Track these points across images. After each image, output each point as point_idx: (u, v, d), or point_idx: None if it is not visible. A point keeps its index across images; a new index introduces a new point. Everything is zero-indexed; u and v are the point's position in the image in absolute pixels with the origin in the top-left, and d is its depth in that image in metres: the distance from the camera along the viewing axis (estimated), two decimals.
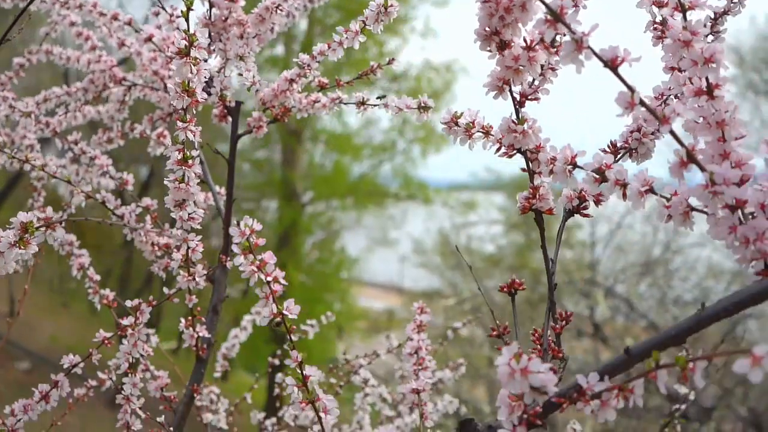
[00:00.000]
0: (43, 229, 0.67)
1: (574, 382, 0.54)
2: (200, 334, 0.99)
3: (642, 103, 0.51)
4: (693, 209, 0.56)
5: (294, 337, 0.66)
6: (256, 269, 0.63)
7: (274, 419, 1.41)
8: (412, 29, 11.20)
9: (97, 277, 1.11)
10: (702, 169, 0.52)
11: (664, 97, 0.70)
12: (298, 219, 11.33)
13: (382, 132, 12.52)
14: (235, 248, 0.62)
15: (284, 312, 0.64)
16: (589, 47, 0.51)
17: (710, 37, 0.73)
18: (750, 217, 0.53)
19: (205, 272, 0.92)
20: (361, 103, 0.99)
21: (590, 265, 6.21)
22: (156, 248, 1.04)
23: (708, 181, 0.52)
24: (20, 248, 0.68)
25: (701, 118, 0.55)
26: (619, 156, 0.70)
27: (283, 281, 0.64)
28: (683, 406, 1.18)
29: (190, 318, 0.98)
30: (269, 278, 0.63)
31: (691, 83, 0.56)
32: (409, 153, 12.20)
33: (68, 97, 1.23)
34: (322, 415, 0.66)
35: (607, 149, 0.70)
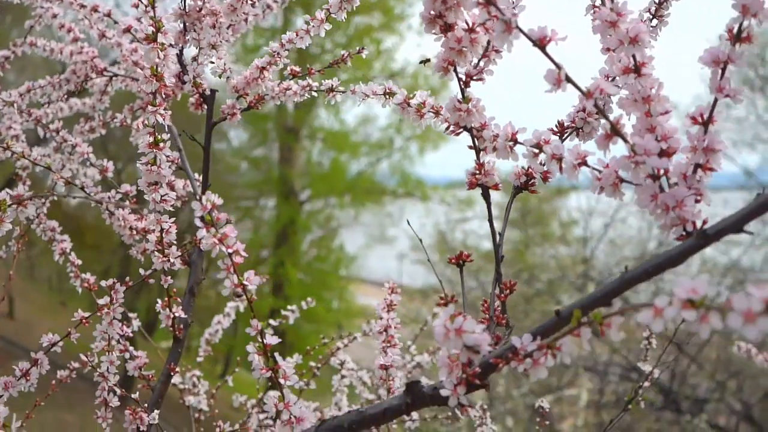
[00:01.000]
0: (14, 206, 0.71)
1: (509, 344, 0.57)
2: (176, 315, 1.02)
3: (568, 79, 0.55)
4: (622, 180, 0.59)
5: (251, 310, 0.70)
6: (217, 242, 0.66)
7: (254, 400, 1.45)
8: (409, 27, 11.23)
9: (79, 262, 1.15)
10: (625, 141, 0.56)
11: (609, 79, 0.73)
12: (296, 217, 11.37)
13: (379, 129, 12.56)
14: (197, 222, 0.66)
15: (245, 283, 0.68)
16: (518, 27, 0.54)
17: (654, 21, 0.77)
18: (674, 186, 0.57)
19: (180, 253, 0.96)
20: (330, 90, 1.02)
21: (584, 260, 6.25)
22: (134, 232, 1.07)
23: (630, 152, 0.55)
24: None
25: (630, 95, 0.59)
26: (566, 135, 0.74)
27: (243, 253, 0.67)
28: (646, 383, 1.22)
29: (166, 299, 1.01)
30: (230, 250, 0.66)
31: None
32: (406, 150, 12.24)
33: (51, 87, 1.26)
34: (281, 380, 0.69)
35: (554, 128, 0.74)
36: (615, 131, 0.56)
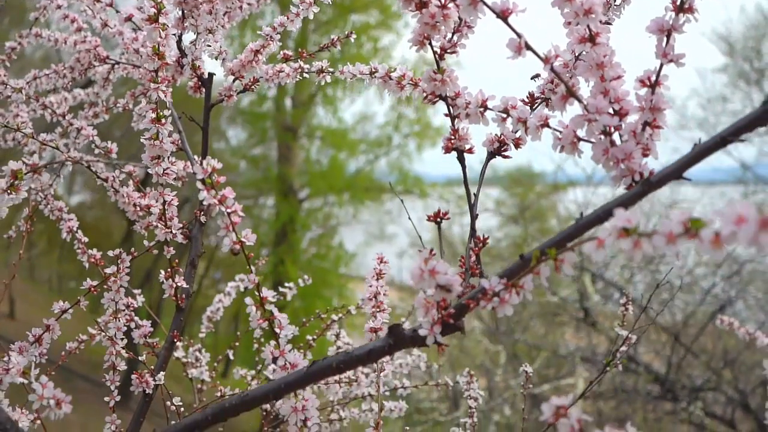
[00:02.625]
0: (30, 174, 0.77)
1: (480, 287, 0.64)
2: (179, 285, 1.09)
3: (527, 46, 0.61)
4: (580, 139, 0.65)
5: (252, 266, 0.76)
6: (217, 202, 0.73)
7: (253, 372, 1.51)
8: (406, 24, 11.29)
9: (86, 239, 1.21)
10: (580, 101, 0.62)
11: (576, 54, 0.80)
12: (296, 215, 11.43)
13: (377, 127, 12.62)
14: (199, 184, 0.72)
15: (243, 239, 0.74)
16: (482, 1, 0.61)
17: (618, 0, 0.83)
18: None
19: (181, 225, 1.02)
20: (321, 71, 1.09)
21: (579, 252, 6.31)
22: (138, 209, 1.14)
23: (584, 111, 0.62)
24: (11, 193, 0.78)
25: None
26: (536, 105, 0.80)
27: (241, 213, 0.74)
28: (624, 348, 1.28)
29: (169, 270, 1.08)
30: (229, 210, 0.73)
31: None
32: (404, 148, 12.31)
33: (56, 75, 1.32)
34: (277, 330, 0.76)
35: (526, 99, 0.80)
36: (570, 93, 0.62)
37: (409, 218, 1.11)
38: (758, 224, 0.39)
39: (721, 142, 0.56)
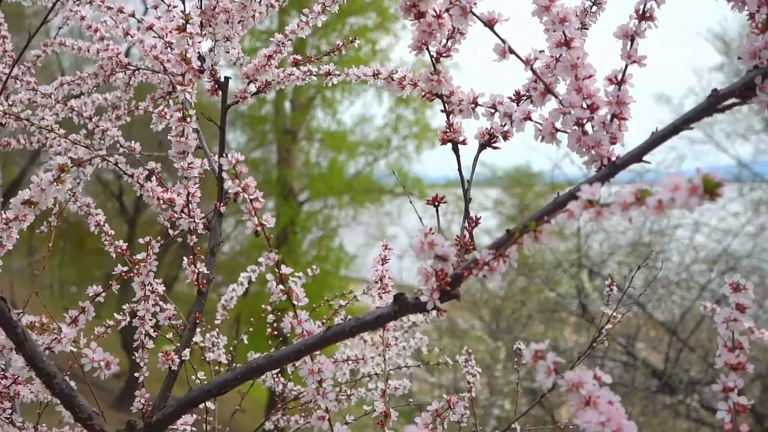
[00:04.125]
0: (76, 167, 0.87)
1: (473, 258, 0.74)
2: (200, 271, 1.19)
3: (511, 50, 0.72)
4: (557, 130, 0.76)
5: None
6: (241, 190, 0.83)
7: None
8: (404, 27, 11.41)
9: (112, 232, 1.31)
10: (556, 97, 0.73)
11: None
12: (296, 217, 11.52)
13: (376, 129, 12.73)
14: (224, 174, 0.82)
15: (264, 222, 0.84)
16: (471, 12, 0.71)
17: (594, 7, 0.94)
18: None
19: (203, 216, 1.12)
20: (328, 74, 1.19)
21: (577, 248, 6.43)
22: (161, 202, 1.24)
23: (560, 106, 0.72)
24: (58, 185, 0.88)
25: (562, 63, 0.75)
26: (522, 101, 0.90)
27: (261, 199, 0.84)
28: (609, 326, 1.38)
29: (191, 257, 1.18)
30: (252, 197, 0.83)
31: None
32: (403, 149, 12.42)
33: (81, 81, 1.43)
34: (295, 302, 0.86)
35: (513, 96, 0.90)
36: (548, 90, 0.73)
37: (419, 217, 1.21)
38: (688, 191, 0.49)
39: (674, 129, 0.66)
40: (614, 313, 1.39)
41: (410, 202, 1.20)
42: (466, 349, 1.36)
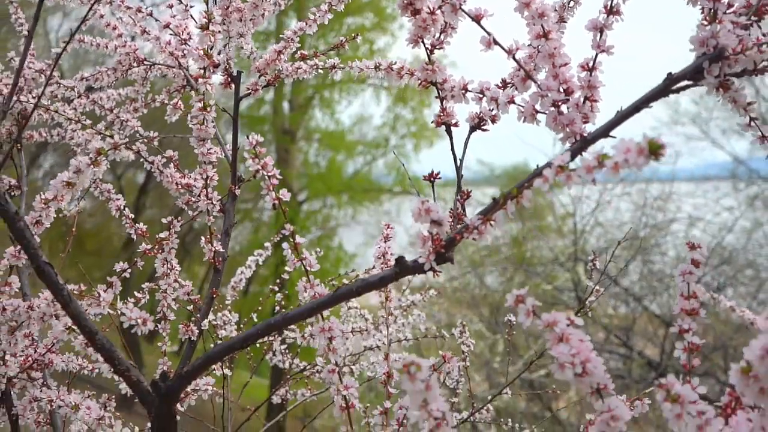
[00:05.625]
0: (112, 150, 0.98)
1: (464, 223, 0.85)
2: (217, 249, 1.30)
3: (495, 42, 0.82)
4: (537, 111, 0.86)
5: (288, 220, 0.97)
6: (260, 168, 0.94)
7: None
8: (401, 26, 11.52)
9: (132, 215, 1.42)
10: (535, 82, 0.83)
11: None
12: (295, 217, 11.62)
13: (374, 128, 12.84)
14: (245, 154, 0.93)
15: (280, 196, 0.95)
16: (461, 8, 0.82)
17: (572, 2, 1.04)
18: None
19: (220, 197, 1.23)
20: (333, 67, 1.30)
21: (574, 242, 6.54)
22: (179, 187, 1.34)
23: (538, 89, 0.83)
24: (94, 167, 0.99)
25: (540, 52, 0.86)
26: (507, 88, 1.01)
27: (279, 176, 0.95)
28: (592, 297, 1.49)
29: (209, 236, 1.29)
30: (269, 174, 0.94)
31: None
32: (401, 148, 12.52)
33: (101, 76, 1.53)
34: (308, 268, 0.97)
35: (499, 84, 1.01)
36: (528, 76, 0.83)
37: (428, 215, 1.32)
38: (637, 152, 0.60)
39: (635, 108, 0.77)
40: (597, 287, 1.50)
41: (417, 193, 1.31)
42: (461, 321, 1.47)
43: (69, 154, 1.64)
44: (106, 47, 1.56)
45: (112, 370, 0.92)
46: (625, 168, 0.62)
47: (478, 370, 7.06)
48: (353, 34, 1.34)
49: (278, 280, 1.78)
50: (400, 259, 0.89)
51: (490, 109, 0.97)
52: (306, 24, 1.26)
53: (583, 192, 7.53)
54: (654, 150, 0.59)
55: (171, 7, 1.44)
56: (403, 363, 0.64)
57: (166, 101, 1.52)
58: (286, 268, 0.98)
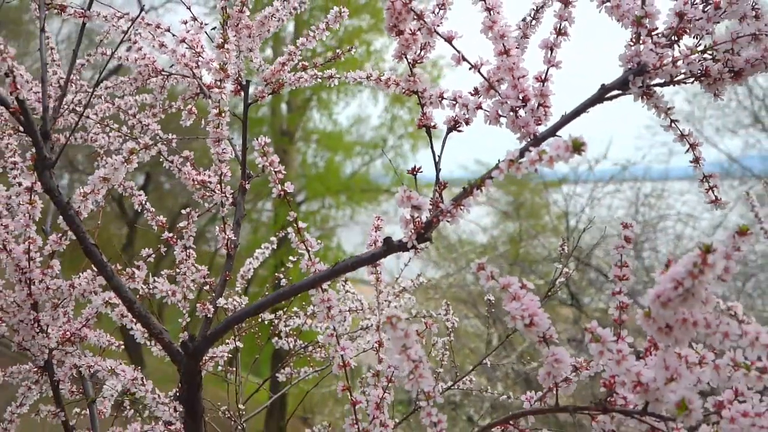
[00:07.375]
0: (143, 150, 1.15)
1: (440, 209, 1.02)
2: (229, 237, 1.47)
3: (463, 58, 1.00)
4: (500, 115, 1.04)
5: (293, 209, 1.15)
6: (268, 165, 1.12)
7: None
8: None
9: (153, 210, 1.59)
10: (496, 91, 1.01)
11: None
12: None
13: (372, 129, 13.01)
14: (256, 152, 1.11)
15: (285, 188, 1.13)
16: (435, 31, 1.00)
17: (533, 21, 1.22)
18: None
19: (233, 191, 1.41)
20: (331, 77, 1.47)
21: (565, 238, 6.72)
22: (195, 183, 1.52)
23: (500, 97, 1.01)
24: (127, 164, 1.17)
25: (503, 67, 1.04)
26: (477, 96, 1.19)
27: (283, 171, 1.13)
28: (561, 279, 1.66)
29: (222, 225, 1.46)
30: (276, 169, 1.12)
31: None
32: (399, 148, 12.70)
33: (123, 84, 1.71)
34: (309, 248, 1.15)
35: (472, 92, 1.19)
36: (491, 86, 1.01)
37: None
38: (564, 148, 0.78)
39: (574, 114, 0.95)
40: (566, 269, 1.67)
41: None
42: (446, 302, 1.64)
43: (92, 156, 1.82)
44: (127, 59, 1.74)
45: (146, 333, 1.10)
46: (558, 161, 0.80)
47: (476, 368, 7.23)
48: (349, 47, 1.52)
49: (279, 272, 1.97)
50: (387, 239, 1.07)
51: (462, 114, 1.15)
52: (306, 39, 1.44)
53: (575, 190, 7.72)
54: (577, 147, 0.77)
55: (185, 23, 1.61)
56: (387, 315, 0.82)
57: (181, 107, 1.70)
58: (288, 265, 1.16)
